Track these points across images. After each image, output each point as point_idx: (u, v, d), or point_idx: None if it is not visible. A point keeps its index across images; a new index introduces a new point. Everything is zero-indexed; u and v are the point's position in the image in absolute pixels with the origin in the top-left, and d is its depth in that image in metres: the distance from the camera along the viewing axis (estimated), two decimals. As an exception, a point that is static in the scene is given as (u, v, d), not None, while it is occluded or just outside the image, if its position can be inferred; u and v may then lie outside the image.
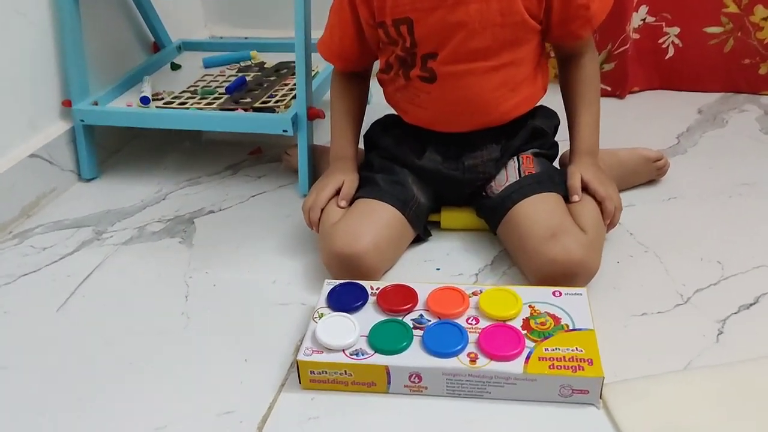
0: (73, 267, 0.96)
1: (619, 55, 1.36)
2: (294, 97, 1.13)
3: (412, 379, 0.71)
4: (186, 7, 1.58)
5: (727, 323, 0.79)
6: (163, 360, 0.79)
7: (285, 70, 1.29)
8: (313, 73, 1.13)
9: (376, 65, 0.98)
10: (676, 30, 1.36)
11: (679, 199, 1.05)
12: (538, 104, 0.96)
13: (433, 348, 0.71)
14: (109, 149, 1.27)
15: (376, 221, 0.88)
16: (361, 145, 1.02)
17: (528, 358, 0.70)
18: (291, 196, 1.11)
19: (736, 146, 1.19)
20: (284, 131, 1.07)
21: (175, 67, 1.34)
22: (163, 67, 1.34)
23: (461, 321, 0.75)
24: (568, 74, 0.95)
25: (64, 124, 1.17)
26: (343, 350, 0.72)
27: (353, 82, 1.00)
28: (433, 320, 0.75)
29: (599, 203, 0.88)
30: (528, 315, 0.75)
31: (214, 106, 1.15)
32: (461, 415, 0.69)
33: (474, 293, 0.79)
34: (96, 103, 1.16)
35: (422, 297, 0.78)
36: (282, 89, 1.21)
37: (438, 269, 0.91)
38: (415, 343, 0.72)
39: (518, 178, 0.91)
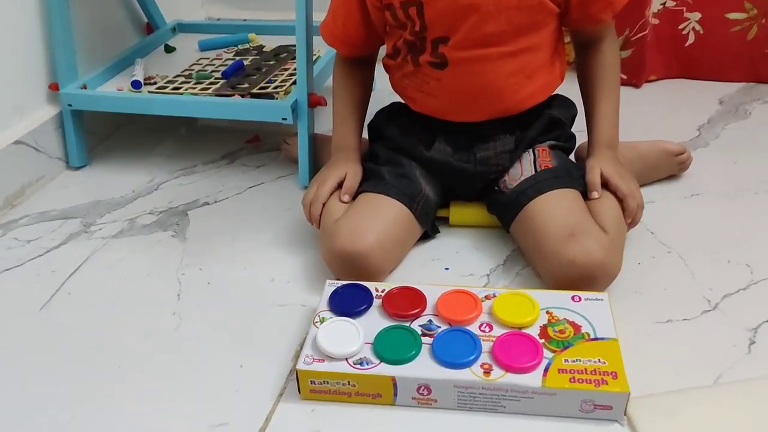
0: (59, 261, 0.91)
1: (637, 41, 1.29)
2: (294, 82, 1.07)
3: (420, 391, 0.65)
4: (182, -14, 1.51)
5: (759, 332, 0.73)
6: (152, 365, 0.73)
7: (285, 54, 1.23)
8: (314, 58, 1.07)
9: (382, 50, 0.92)
10: (698, 15, 1.29)
11: (702, 195, 0.99)
12: (554, 93, 0.90)
13: (444, 358, 0.65)
14: (99, 136, 1.21)
15: (381, 217, 0.82)
16: (365, 135, 0.96)
17: (546, 370, 0.64)
18: (291, 188, 1.05)
19: (761, 139, 1.13)
20: (283, 119, 1.01)
21: (169, 49, 1.28)
22: (156, 50, 1.28)
23: (473, 328, 0.69)
24: (586, 61, 0.89)
25: (51, 109, 1.11)
26: (346, 359, 0.67)
27: (357, 68, 0.93)
28: (443, 327, 0.70)
29: (620, 200, 0.83)
30: (545, 322, 0.70)
31: (209, 91, 1.09)
32: (473, 431, 0.64)
33: (487, 297, 0.73)
34: (85, 87, 1.10)
35: (431, 301, 0.73)
36: (281, 74, 1.14)
37: (447, 269, 0.86)
38: (424, 352, 0.67)
39: (534, 173, 0.85)
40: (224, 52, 1.26)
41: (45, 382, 0.71)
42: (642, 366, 0.67)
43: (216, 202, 1.03)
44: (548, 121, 0.89)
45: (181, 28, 1.36)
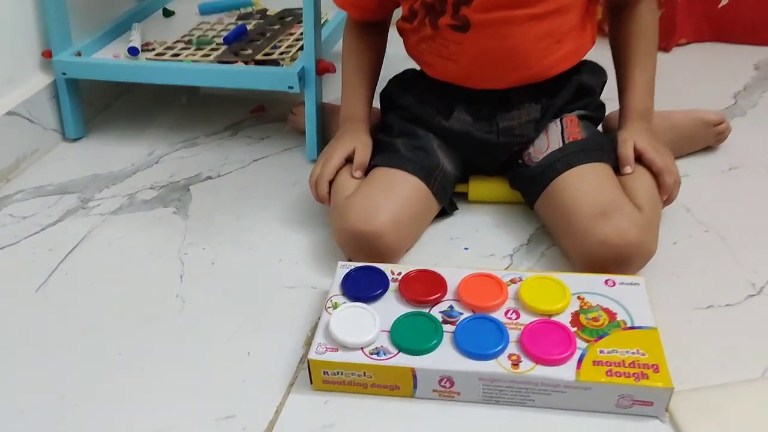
0: (56, 239, 0.86)
1: (667, 2, 1.21)
2: (301, 48, 1.01)
3: (442, 384, 0.60)
4: (181, -54, 1.43)
5: (809, 319, 0.68)
6: (154, 352, 0.68)
7: (290, 18, 1.16)
8: (322, 21, 1.00)
9: (395, 13, 0.85)
10: (732, -26, 1.21)
11: (741, 169, 0.92)
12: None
13: (468, 348, 0.60)
14: (97, 106, 1.15)
15: (397, 194, 0.76)
16: (377, 105, 0.90)
17: (580, 361, 0.59)
18: (297, 161, 0.99)
19: (802, 108, 1.06)
20: (290, 87, 0.94)
21: (168, 13, 1.21)
22: (154, 14, 1.21)
23: (499, 315, 0.64)
24: (620, 26, 0.82)
25: (44, 78, 1.05)
26: (362, 348, 0.62)
27: (369, 33, 0.87)
28: (466, 314, 0.65)
29: (655, 176, 0.76)
30: (577, 309, 0.64)
31: (210, 58, 1.02)
32: (499, 426, 0.59)
33: (512, 281, 0.68)
34: (79, 54, 1.03)
35: (452, 285, 0.67)
36: (287, 39, 1.08)
37: (466, 249, 0.80)
38: (446, 341, 0.62)
39: (561, 145, 0.78)
40: (226, 16, 1.19)
41: (41, 370, 0.67)
42: (682, 357, 0.62)
43: (219, 176, 0.98)
44: (577, 88, 0.82)
45: (180, -10, 1.28)
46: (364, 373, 0.61)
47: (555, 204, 0.76)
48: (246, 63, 0.99)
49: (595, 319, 0.63)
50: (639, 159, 0.77)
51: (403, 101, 0.85)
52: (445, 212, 0.84)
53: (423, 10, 0.78)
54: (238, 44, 1.06)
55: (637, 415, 0.59)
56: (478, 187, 0.86)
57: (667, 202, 0.77)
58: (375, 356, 0.61)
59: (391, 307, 0.65)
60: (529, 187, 0.80)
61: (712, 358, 0.64)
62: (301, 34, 1.02)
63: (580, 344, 0.60)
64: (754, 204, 0.85)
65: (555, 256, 0.78)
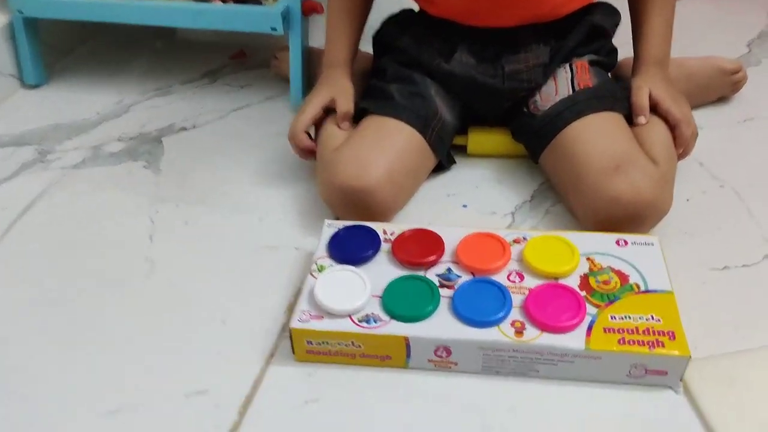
0: (10, 196, 0.78)
1: (680, -59, 1.11)
2: (284, -15, 0.91)
3: (438, 353, 0.55)
4: None
5: (833, 281, 0.63)
6: (119, 321, 0.62)
7: (272, -47, 1.05)
8: (307, -45, 0.90)
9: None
10: None
11: (757, 120, 0.86)
12: (597, -3, 0.75)
13: (467, 314, 0.55)
14: (59, 50, 1.06)
15: (390, 145, 0.69)
16: (371, 51, 0.82)
17: (590, 329, 0.54)
18: (281, 110, 0.91)
19: (820, 56, 0.99)
20: (272, 29, 0.86)
21: (137, -53, 1.09)
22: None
23: (501, 278, 0.58)
24: None
25: (-1, 17, 0.95)
26: (350, 316, 0.56)
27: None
28: (465, 276, 0.59)
29: (671, 127, 0.70)
30: (587, 271, 0.59)
31: (183, -5, 0.92)
32: (501, 399, 0.54)
33: (516, 241, 0.62)
34: (37, -10, 0.93)
35: (450, 246, 0.61)
36: (268, -24, 0.97)
37: (464, 206, 0.74)
38: (443, 306, 0.56)
39: (571, 92, 0.71)
40: (201, -50, 1.08)
41: (-7, 340, 0.60)
42: (696, 321, 0.57)
43: (195, 127, 0.90)
44: (589, 29, 0.75)
45: None
46: (353, 342, 0.55)
47: (562, 157, 0.69)
48: (224, 2, 0.90)
49: (606, 282, 0.58)
50: (654, 108, 0.71)
51: (399, 43, 0.77)
52: (442, 166, 0.77)
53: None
54: (214, -19, 0.96)
55: (649, 386, 0.54)
56: (478, 139, 0.79)
57: (682, 155, 0.71)
58: (365, 324, 0.55)
59: (382, 270, 0.59)
60: (535, 139, 0.73)
61: (728, 322, 0.59)
62: (283, -31, 0.93)
63: (590, 310, 0.55)
64: (770, 158, 0.80)
65: (561, 214, 0.72)
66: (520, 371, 0.55)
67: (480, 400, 0.54)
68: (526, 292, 0.56)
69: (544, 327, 0.54)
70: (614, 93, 0.72)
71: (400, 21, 0.80)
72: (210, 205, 0.76)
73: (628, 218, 0.64)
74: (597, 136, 0.68)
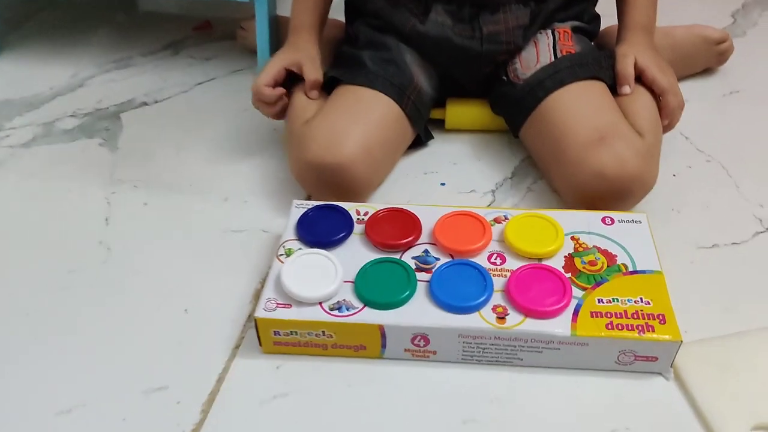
0: (-45, 177, 0.72)
1: None
2: (248, -52, 0.85)
3: (415, 342, 0.51)
4: None
5: (825, 258, 0.61)
6: (71, 311, 0.57)
7: None
8: None
9: None
10: None
11: (743, 93, 0.83)
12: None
13: (446, 299, 0.51)
14: (11, 21, 0.99)
15: (365, 116, 0.65)
16: (342, 17, 0.77)
17: (576, 313, 0.50)
18: (247, 84, 0.84)
19: (806, 26, 0.96)
20: (236, -5, 0.80)
21: None
22: None
23: (481, 260, 0.55)
24: None
25: (-61, -16, 0.88)
26: (320, 303, 0.52)
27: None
28: (443, 259, 0.55)
29: (657, 97, 0.66)
30: (571, 251, 0.56)
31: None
32: (482, 390, 0.51)
33: (497, 220, 0.58)
34: (-22, -46, 0.86)
35: (427, 226, 0.57)
36: (232, -61, 0.91)
37: (442, 184, 0.70)
38: (420, 292, 0.52)
39: (553, 59, 0.67)
40: None
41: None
42: (685, 303, 0.53)
43: (156, 102, 0.84)
44: (570, -9, 0.70)
45: None
46: (323, 332, 0.51)
47: (544, 129, 0.66)
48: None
49: (592, 263, 0.54)
50: (639, 77, 0.67)
51: (371, 5, 0.71)
52: (418, 142, 0.73)
53: None
54: (173, -56, 0.90)
55: (639, 372, 0.51)
56: (456, 113, 0.75)
57: (667, 128, 0.68)
58: (336, 312, 0.51)
59: (355, 254, 0.55)
60: (515, 110, 0.69)
61: (719, 303, 0.57)
62: (247, -69, 0.86)
63: (576, 293, 0.52)
64: (757, 130, 0.77)
65: (544, 191, 0.69)
66: (503, 360, 0.51)
67: (460, 391, 0.51)
68: (508, 275, 0.53)
69: (528, 312, 0.50)
70: (598, 61, 0.68)
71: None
72: (171, 185, 0.71)
73: (613, 193, 0.61)
74: (580, 106, 0.64)
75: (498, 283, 0.53)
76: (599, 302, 0.51)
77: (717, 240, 0.63)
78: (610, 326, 0.50)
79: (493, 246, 0.56)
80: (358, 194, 0.64)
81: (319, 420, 0.49)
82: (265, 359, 0.53)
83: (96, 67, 0.91)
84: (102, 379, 0.52)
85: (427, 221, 0.57)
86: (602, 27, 0.78)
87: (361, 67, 0.68)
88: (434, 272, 0.53)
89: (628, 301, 0.51)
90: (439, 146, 0.74)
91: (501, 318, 0.50)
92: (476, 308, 0.51)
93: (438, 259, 0.55)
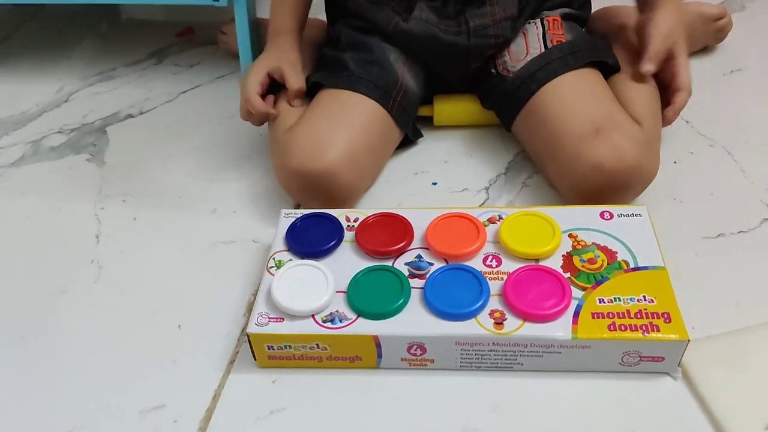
0: (-57, 201, 0.71)
1: None
2: (228, -50, 0.83)
3: (412, 351, 0.50)
4: None
5: (835, 243, 0.58)
6: (63, 332, 0.56)
7: None
8: None
9: None
10: None
11: (744, 72, 0.81)
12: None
13: (441, 306, 0.49)
14: (-6, 37, 0.97)
15: (350, 121, 0.63)
16: (324, 18, 0.75)
17: (576, 315, 0.49)
18: (233, 90, 0.84)
19: (808, -1, 0.93)
20: (215, 0, 0.78)
21: None
22: None
23: (477, 263, 0.53)
24: None
25: None
26: (313, 316, 0.50)
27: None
28: (437, 264, 0.53)
29: (670, 89, 0.63)
30: (569, 249, 0.54)
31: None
32: (482, 397, 0.49)
33: (491, 220, 0.56)
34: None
35: (419, 230, 0.56)
36: (212, -58, 0.89)
37: (434, 184, 0.68)
38: (414, 299, 0.51)
39: (543, 50, 0.65)
40: None
41: None
42: (692, 298, 0.52)
43: (141, 113, 0.83)
44: (559, -22, 0.68)
45: None
46: (318, 345, 0.50)
47: (538, 123, 0.64)
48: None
49: (592, 261, 0.53)
50: (666, 65, 0.62)
51: (352, 4, 0.69)
52: (407, 141, 0.71)
53: None
54: (152, -50, 0.88)
55: (645, 373, 0.49)
56: (444, 109, 0.73)
57: (667, 122, 0.64)
58: (329, 324, 0.50)
59: (346, 263, 0.54)
60: (506, 104, 0.67)
61: (727, 297, 0.55)
62: (226, -67, 0.84)
63: (576, 293, 0.50)
64: (761, 110, 0.74)
65: (539, 186, 0.67)
66: (502, 365, 0.50)
67: (460, 399, 0.49)
68: (504, 278, 0.51)
69: (526, 316, 0.49)
70: (592, 45, 0.66)
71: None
72: (160, 198, 0.69)
73: (612, 186, 0.59)
74: (574, 97, 0.62)
75: (494, 286, 0.51)
76: (600, 302, 0.49)
77: (723, 229, 0.61)
78: (612, 327, 0.48)
79: (488, 248, 0.54)
80: (344, 200, 0.62)
81: (316, 436, 0.48)
82: (260, 373, 0.52)
83: (80, 80, 0.89)
84: (98, 400, 0.51)
85: (419, 225, 0.56)
86: (593, 10, 0.75)
87: (343, 69, 0.66)
88: (428, 278, 0.52)
89: (631, 299, 0.49)
90: (429, 144, 0.72)
91: (498, 323, 0.49)
92: (473, 314, 0.49)
93: (431, 264, 0.53)
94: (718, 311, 0.53)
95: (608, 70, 0.66)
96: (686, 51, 0.64)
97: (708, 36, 0.82)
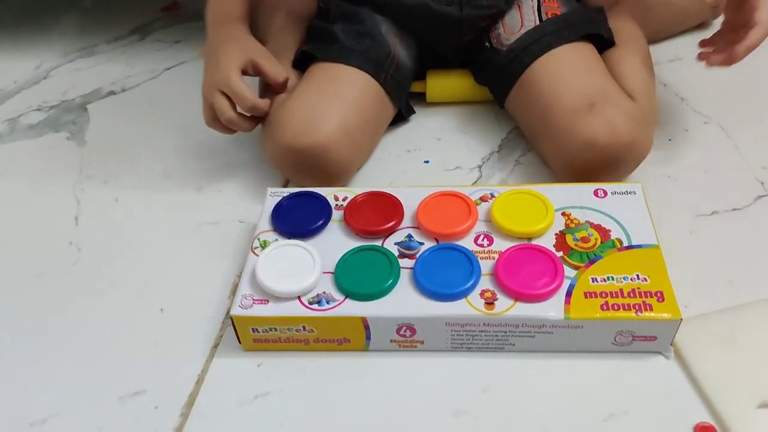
0: None
1: None
2: None
3: (401, 332, 0.49)
4: None
5: (831, 221, 0.58)
6: (41, 316, 0.55)
7: None
8: None
9: None
10: None
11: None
12: None
13: (431, 287, 0.48)
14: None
15: (342, 94, 0.61)
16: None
17: (569, 294, 0.48)
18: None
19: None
20: (199, -29, 0.75)
21: None
22: None
23: (468, 243, 0.52)
24: None
25: None
26: (299, 297, 0.49)
27: None
28: (428, 243, 0.52)
29: (742, 25, 0.56)
30: (562, 228, 0.53)
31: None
32: (473, 379, 0.48)
33: (482, 199, 0.55)
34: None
35: (409, 209, 0.54)
36: None
37: (426, 162, 0.67)
38: (404, 280, 0.50)
39: (538, 23, 0.63)
40: None
41: None
42: (685, 276, 0.51)
43: (124, 90, 0.80)
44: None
45: None
46: (304, 327, 0.49)
47: (531, 97, 0.62)
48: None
49: (585, 240, 0.51)
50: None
51: None
52: (399, 117, 0.69)
53: None
54: None
55: (637, 352, 0.48)
56: (437, 85, 0.71)
57: (735, 58, 0.56)
58: (316, 306, 0.48)
59: (334, 243, 0.52)
60: (499, 78, 0.65)
61: (721, 274, 0.54)
62: None
63: (568, 272, 0.49)
64: (756, 88, 0.73)
65: (533, 164, 0.65)
66: (494, 346, 0.49)
67: (450, 381, 0.48)
68: (496, 257, 0.50)
69: (518, 296, 0.48)
70: (588, 17, 0.64)
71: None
72: (142, 178, 0.68)
73: (606, 163, 0.57)
74: (568, 71, 0.60)
75: (485, 266, 0.50)
76: (593, 281, 0.48)
77: (717, 207, 0.60)
78: (605, 307, 0.47)
79: (480, 227, 0.53)
80: (338, 177, 0.61)
81: (303, 418, 0.47)
82: (245, 357, 0.51)
83: (60, 56, 0.87)
84: (76, 386, 0.50)
85: (410, 204, 0.54)
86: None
87: (334, 42, 0.64)
88: (418, 258, 0.50)
89: (624, 278, 0.48)
90: (422, 121, 0.71)
91: (489, 303, 0.48)
92: (463, 294, 0.48)
93: (422, 243, 0.52)
94: (711, 289, 0.52)
95: (603, 45, 0.65)
96: None
97: (703, 13, 0.80)
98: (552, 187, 0.56)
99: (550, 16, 0.63)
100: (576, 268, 0.49)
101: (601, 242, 0.51)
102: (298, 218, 0.54)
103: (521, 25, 0.64)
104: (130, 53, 0.86)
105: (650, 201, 0.55)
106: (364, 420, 0.46)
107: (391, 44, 0.65)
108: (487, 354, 0.49)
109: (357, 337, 0.49)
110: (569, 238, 0.52)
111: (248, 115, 0.61)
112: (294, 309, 0.48)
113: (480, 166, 0.66)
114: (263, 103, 0.60)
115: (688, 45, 0.79)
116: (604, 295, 0.47)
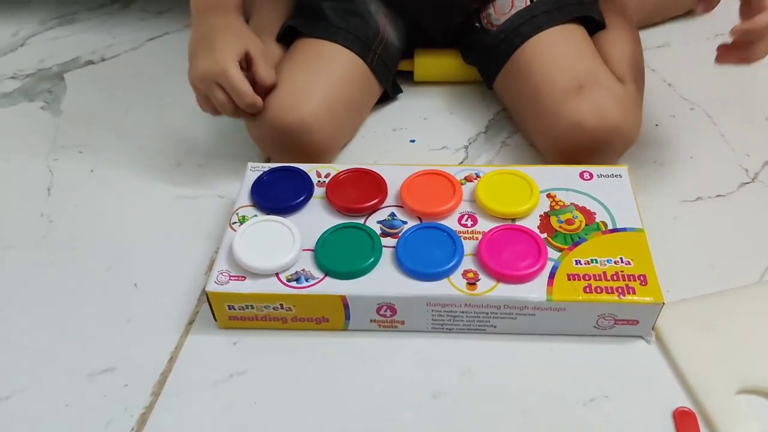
0: None
1: None
2: None
3: (381, 312, 0.48)
4: None
5: (813, 209, 0.58)
6: (10, 290, 0.53)
7: None
8: None
9: None
10: None
11: (727, 36, 0.78)
12: None
13: (412, 266, 0.47)
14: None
15: (328, 73, 0.59)
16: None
17: (552, 276, 0.47)
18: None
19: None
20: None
21: None
22: None
23: (451, 222, 0.51)
24: None
25: None
26: (277, 274, 0.48)
27: None
28: (411, 222, 0.51)
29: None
30: (547, 209, 0.52)
31: None
32: (453, 361, 0.47)
33: (467, 179, 0.54)
34: None
35: (393, 187, 0.53)
36: None
37: (412, 141, 0.66)
38: (386, 258, 0.49)
39: (529, 3, 0.62)
40: None
41: None
42: (668, 261, 0.50)
43: (103, 60, 0.78)
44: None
45: None
46: (282, 305, 0.48)
47: (520, 78, 0.61)
48: None
49: (569, 222, 0.51)
50: None
51: None
52: (386, 97, 0.68)
53: None
54: None
55: (618, 336, 0.48)
56: (425, 64, 0.70)
57: (734, 34, 0.53)
58: (294, 283, 0.47)
59: (315, 219, 0.51)
60: (488, 59, 0.64)
61: (703, 259, 0.53)
62: None
63: (552, 254, 0.48)
64: (743, 76, 0.72)
65: (519, 146, 0.64)
66: (475, 328, 0.48)
67: (430, 362, 0.47)
68: (479, 237, 0.49)
69: (500, 277, 0.47)
70: (579, -1, 0.63)
71: None
72: (120, 150, 0.66)
73: (593, 145, 0.57)
74: (558, 53, 0.59)
75: (468, 246, 0.49)
76: (577, 264, 0.48)
77: (701, 193, 0.59)
78: (588, 289, 0.46)
79: (464, 207, 0.52)
80: (321, 155, 0.59)
81: (279, 398, 0.46)
82: (220, 335, 0.49)
83: (38, 24, 0.84)
84: (44, 362, 0.48)
85: (394, 182, 0.53)
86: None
87: (321, 18, 0.62)
88: (400, 237, 0.49)
89: (608, 261, 0.48)
90: (409, 100, 0.69)
91: (472, 284, 0.47)
92: (445, 274, 0.47)
93: (405, 222, 0.51)
94: (694, 275, 0.52)
95: (594, 27, 0.64)
96: None
97: (691, 0, 0.79)
98: (538, 168, 0.55)
99: (541, -3, 0.62)
100: (560, 250, 0.49)
101: (586, 225, 0.50)
102: (278, 194, 0.53)
103: (512, 6, 0.62)
104: (112, 22, 0.84)
105: (635, 185, 0.54)
106: (341, 401, 0.45)
107: (381, 24, 0.63)
108: (468, 336, 0.48)
109: (336, 317, 0.48)
110: (554, 220, 0.51)
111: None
112: (271, 286, 0.47)
113: (466, 147, 0.65)
114: (259, 101, 0.57)
115: (675, 31, 0.79)
116: (587, 278, 0.47)
